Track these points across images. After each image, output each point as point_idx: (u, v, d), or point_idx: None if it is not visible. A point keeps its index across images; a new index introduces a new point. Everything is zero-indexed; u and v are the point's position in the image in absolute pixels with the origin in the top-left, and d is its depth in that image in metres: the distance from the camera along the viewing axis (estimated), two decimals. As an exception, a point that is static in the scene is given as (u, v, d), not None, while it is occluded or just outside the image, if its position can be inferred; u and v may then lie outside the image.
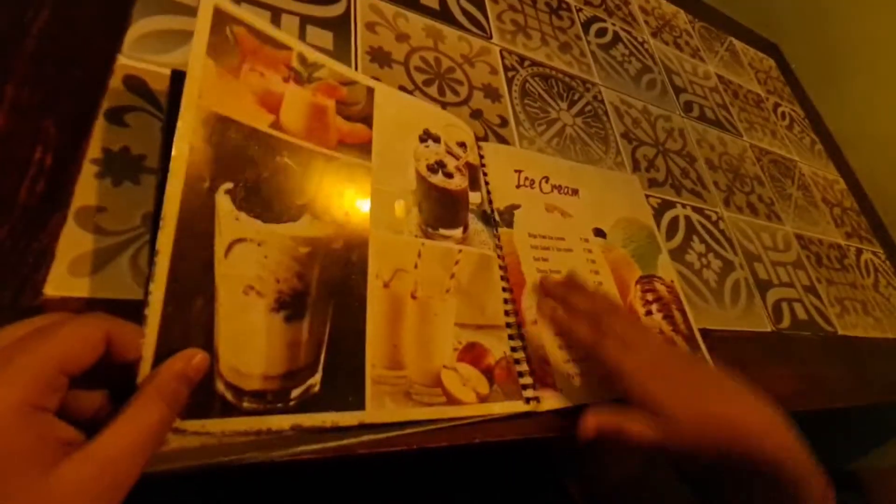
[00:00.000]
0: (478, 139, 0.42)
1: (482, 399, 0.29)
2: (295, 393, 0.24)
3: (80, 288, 0.23)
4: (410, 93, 0.42)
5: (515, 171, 0.41)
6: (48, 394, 0.16)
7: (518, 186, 0.40)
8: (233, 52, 0.27)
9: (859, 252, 0.74)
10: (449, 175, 0.35)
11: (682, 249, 0.51)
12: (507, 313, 0.33)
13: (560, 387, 0.32)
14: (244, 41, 0.28)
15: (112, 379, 0.19)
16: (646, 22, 0.77)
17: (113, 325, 0.18)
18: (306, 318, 0.25)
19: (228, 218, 0.24)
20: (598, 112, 0.56)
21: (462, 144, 0.38)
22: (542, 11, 0.61)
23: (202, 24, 0.26)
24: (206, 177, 0.24)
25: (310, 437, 0.23)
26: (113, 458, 0.16)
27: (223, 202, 0.24)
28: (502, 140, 0.45)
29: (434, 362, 0.29)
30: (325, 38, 0.40)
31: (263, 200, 0.26)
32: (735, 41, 0.93)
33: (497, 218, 0.37)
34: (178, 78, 0.29)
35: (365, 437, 0.25)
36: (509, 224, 0.37)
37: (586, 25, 0.65)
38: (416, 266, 0.31)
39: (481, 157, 0.39)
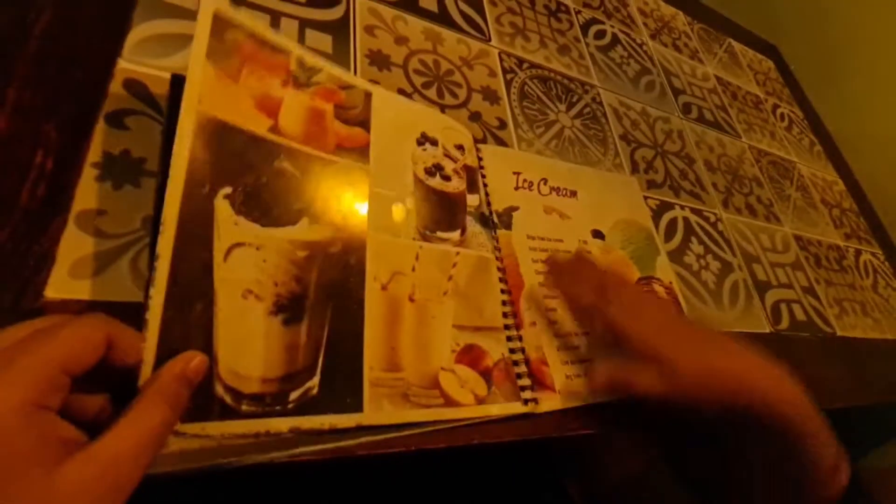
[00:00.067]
0: (476, 141, 0.42)
1: (480, 401, 0.29)
2: (293, 395, 0.24)
3: (81, 290, 0.24)
4: (409, 95, 0.42)
5: (514, 173, 0.41)
6: (50, 393, 0.16)
7: (516, 188, 0.40)
8: (232, 56, 0.27)
9: (858, 253, 0.74)
10: (446, 178, 0.36)
11: (680, 251, 0.51)
12: (505, 315, 0.33)
13: (558, 388, 0.32)
14: (243, 46, 0.28)
15: (111, 382, 0.19)
16: (644, 24, 0.77)
17: (113, 326, 0.19)
18: (304, 321, 0.25)
19: (227, 222, 0.24)
20: (596, 114, 0.57)
21: (460, 147, 0.38)
22: (540, 14, 0.61)
23: (202, 29, 0.26)
24: (205, 181, 0.24)
25: (308, 439, 0.24)
26: (116, 458, 0.16)
27: (222, 207, 0.24)
28: (501, 142, 0.45)
29: (432, 364, 0.29)
30: (325, 41, 0.40)
31: (262, 205, 0.26)
32: (734, 42, 0.93)
33: (495, 220, 0.37)
34: (177, 82, 0.29)
35: (363, 439, 0.25)
36: (508, 226, 0.38)
37: (585, 27, 0.66)
38: (413, 269, 0.31)
39: (480, 159, 0.40)
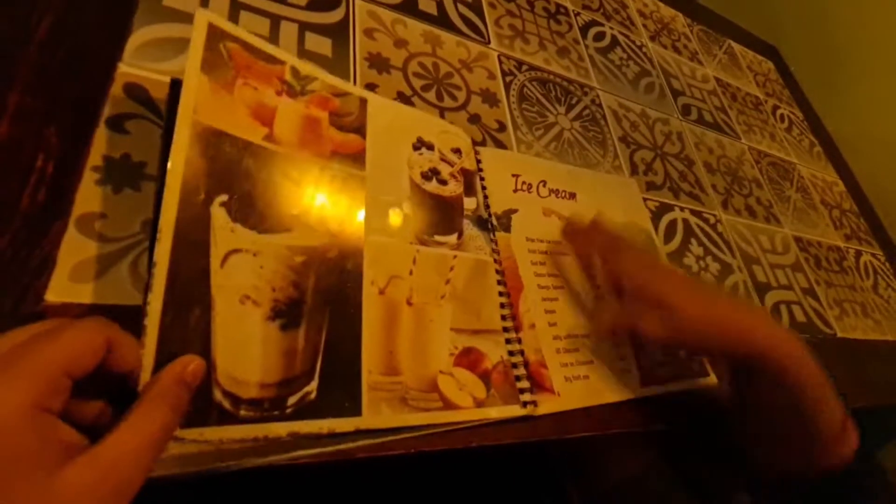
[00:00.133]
0: (476, 144, 0.42)
1: (479, 404, 0.29)
2: (291, 400, 0.24)
3: (81, 294, 0.24)
4: (409, 98, 0.42)
5: (513, 175, 0.41)
6: (52, 395, 0.16)
7: (515, 191, 0.40)
8: (226, 67, 0.28)
9: (858, 254, 0.74)
10: (443, 182, 0.36)
11: (680, 252, 0.51)
12: (504, 318, 0.34)
13: (558, 391, 0.32)
14: (238, 56, 0.29)
15: (109, 387, 0.19)
16: (644, 25, 0.77)
17: (113, 331, 0.19)
18: (302, 326, 0.25)
19: (224, 229, 0.25)
20: (595, 116, 0.57)
21: (457, 151, 0.38)
22: (539, 16, 0.61)
23: (196, 41, 0.26)
24: (201, 189, 0.24)
25: (307, 443, 0.24)
26: (117, 461, 0.16)
27: (218, 214, 0.25)
28: (500, 145, 0.45)
29: (430, 368, 0.29)
30: (324, 44, 0.41)
31: (258, 211, 0.26)
32: (734, 44, 0.93)
33: (494, 222, 0.37)
34: (176, 87, 0.29)
35: (361, 443, 0.25)
36: (507, 228, 0.38)
37: (584, 29, 0.66)
38: (411, 273, 0.31)
39: (478, 162, 0.40)
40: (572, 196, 0.44)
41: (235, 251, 0.25)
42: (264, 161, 0.28)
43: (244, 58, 0.29)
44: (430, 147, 0.37)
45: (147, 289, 0.21)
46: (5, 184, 0.25)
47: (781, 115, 0.88)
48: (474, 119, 0.45)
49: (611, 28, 0.70)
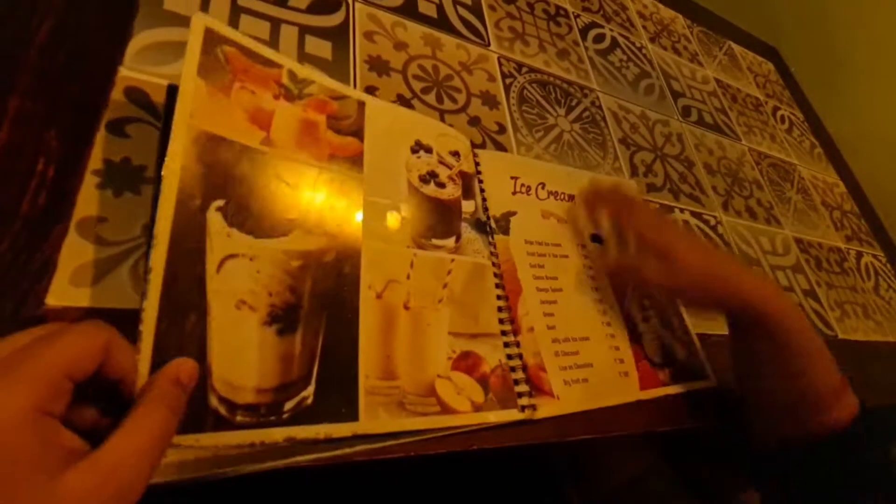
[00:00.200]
0: (476, 146, 0.42)
1: (477, 408, 0.29)
2: (288, 405, 0.24)
3: (82, 298, 0.24)
4: (409, 101, 0.42)
5: (511, 177, 0.41)
6: (54, 399, 0.16)
7: (514, 193, 0.40)
8: (223, 71, 0.28)
9: (859, 255, 0.74)
10: (441, 185, 0.36)
11: (680, 254, 0.51)
12: (502, 321, 0.33)
13: (557, 394, 0.32)
14: (235, 61, 0.29)
15: (105, 392, 0.19)
16: (644, 27, 0.77)
17: (112, 334, 0.19)
18: (299, 331, 0.25)
19: (220, 234, 0.25)
20: (595, 118, 0.57)
21: (455, 153, 0.38)
22: (539, 18, 0.62)
23: (193, 45, 0.27)
24: (197, 194, 0.24)
25: (304, 448, 0.24)
26: (118, 465, 0.16)
27: (214, 219, 0.25)
28: (500, 147, 0.45)
29: (428, 372, 0.29)
30: (324, 47, 0.41)
31: (255, 216, 0.26)
32: (734, 45, 0.93)
33: (493, 225, 0.37)
34: (174, 92, 0.30)
35: (359, 448, 0.25)
36: (505, 231, 0.38)
37: (584, 31, 0.66)
38: (408, 276, 0.31)
39: (477, 164, 0.40)
40: (571, 198, 0.44)
41: (231, 256, 0.25)
42: (261, 165, 0.28)
43: (241, 62, 0.29)
44: (429, 150, 0.37)
45: (143, 294, 0.21)
46: (6, 188, 0.25)
47: (782, 117, 0.88)
48: (474, 121, 0.45)
49: (611, 30, 0.70)
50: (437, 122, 0.40)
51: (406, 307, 0.30)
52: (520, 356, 0.33)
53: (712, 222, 0.58)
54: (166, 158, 0.24)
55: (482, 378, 0.30)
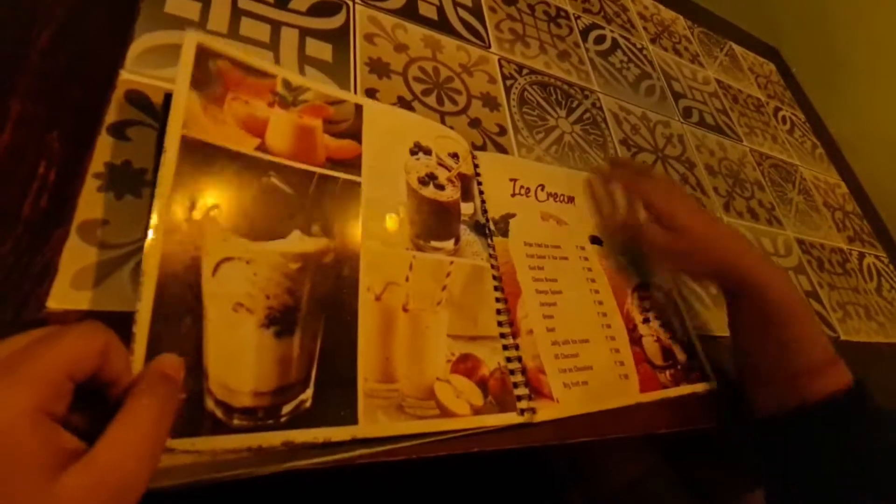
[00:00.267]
0: (476, 148, 0.42)
1: (476, 411, 0.29)
2: (286, 409, 0.24)
3: (83, 301, 0.24)
4: (409, 103, 0.42)
5: (510, 179, 0.41)
6: (55, 400, 0.16)
7: (513, 195, 0.40)
8: (216, 83, 0.29)
9: (862, 256, 0.74)
10: (440, 187, 0.36)
11: (680, 256, 0.51)
12: (501, 324, 0.33)
13: (556, 397, 0.32)
14: (227, 73, 0.29)
15: (98, 395, 0.19)
16: (644, 28, 0.77)
17: (110, 335, 0.19)
18: (297, 334, 0.25)
19: (216, 238, 0.25)
20: (596, 119, 0.57)
21: (454, 155, 0.38)
22: (540, 20, 0.62)
23: (185, 61, 0.27)
24: (191, 200, 0.25)
25: (302, 452, 0.23)
26: (115, 463, 0.16)
27: (210, 223, 0.25)
28: (501, 148, 0.45)
29: (427, 375, 0.29)
30: (325, 50, 0.41)
31: (251, 220, 0.26)
32: (735, 46, 0.93)
33: (492, 227, 0.37)
34: (170, 100, 0.30)
35: (358, 452, 0.25)
36: (504, 233, 0.38)
37: (585, 33, 0.66)
38: (407, 279, 0.31)
39: (476, 166, 0.40)
40: (571, 200, 0.44)
41: (228, 259, 0.25)
42: (257, 170, 0.28)
43: (234, 74, 0.30)
44: (428, 152, 0.37)
45: (137, 297, 0.21)
46: (7, 190, 0.25)
47: (783, 117, 0.87)
48: (475, 123, 0.45)
49: (611, 31, 0.70)
50: (436, 124, 0.40)
51: (405, 309, 0.30)
52: (519, 359, 0.33)
53: (713, 223, 0.58)
54: (160, 166, 0.24)
55: (481, 381, 0.30)
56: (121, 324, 0.20)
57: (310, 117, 0.32)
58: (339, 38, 0.42)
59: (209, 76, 0.28)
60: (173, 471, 0.20)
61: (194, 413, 0.21)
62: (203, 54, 0.28)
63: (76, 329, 0.18)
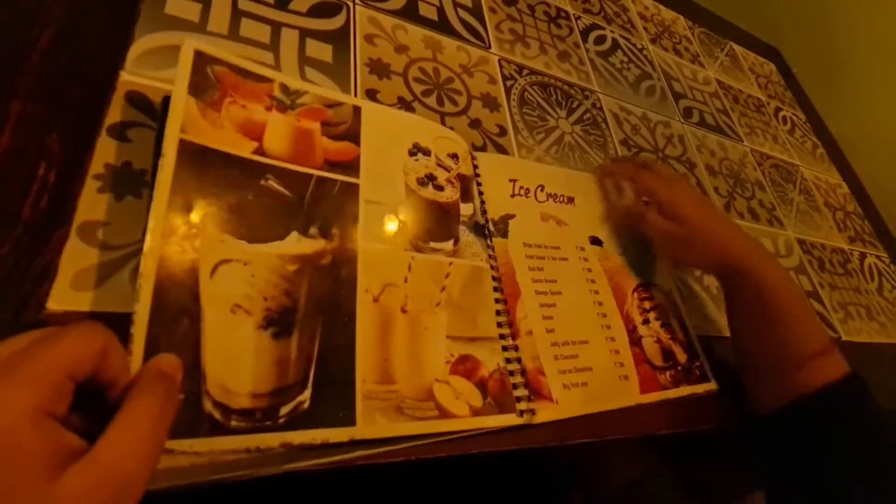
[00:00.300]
0: (476, 149, 0.42)
1: (475, 412, 0.29)
2: (284, 410, 0.24)
3: (83, 302, 0.24)
4: (409, 104, 0.42)
5: (510, 180, 0.41)
6: (56, 400, 0.16)
7: (513, 196, 0.40)
8: (214, 89, 0.29)
9: (863, 256, 0.74)
10: (439, 188, 0.36)
11: (681, 256, 0.51)
12: (500, 325, 0.33)
13: (556, 398, 0.32)
14: (225, 78, 0.30)
15: (96, 395, 0.19)
16: (645, 28, 0.77)
17: (109, 336, 0.19)
18: (295, 335, 0.25)
19: (213, 240, 0.25)
20: (596, 119, 0.57)
21: (453, 156, 0.38)
22: (540, 20, 0.62)
23: (183, 67, 0.28)
24: (188, 203, 0.25)
25: (300, 453, 0.23)
26: (115, 459, 0.16)
27: (207, 226, 0.25)
28: (501, 149, 0.45)
29: (425, 376, 0.29)
30: (325, 51, 0.41)
31: (249, 222, 0.26)
32: (735, 46, 0.93)
33: (491, 228, 0.37)
34: (168, 103, 0.30)
35: (357, 454, 0.25)
36: (504, 234, 0.38)
37: (585, 33, 0.66)
38: (406, 280, 0.31)
39: (475, 167, 0.40)
40: (570, 200, 0.44)
41: (225, 261, 0.25)
42: (254, 173, 0.28)
43: (231, 79, 0.30)
44: (427, 153, 0.37)
45: (136, 298, 0.21)
46: (7, 191, 0.25)
47: (784, 117, 0.87)
48: (475, 124, 0.45)
49: (611, 31, 0.70)
50: (435, 125, 0.40)
51: (404, 311, 0.30)
52: (518, 360, 0.33)
53: (714, 224, 0.58)
54: (158, 169, 0.24)
55: (480, 382, 0.30)
56: (121, 325, 0.21)
57: (307, 120, 0.32)
58: (340, 39, 0.42)
59: (207, 82, 0.29)
60: (171, 472, 0.20)
61: (192, 414, 0.21)
62: (201, 60, 0.29)
63: (76, 329, 0.18)
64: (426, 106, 0.43)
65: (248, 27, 0.38)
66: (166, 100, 0.28)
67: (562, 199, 0.43)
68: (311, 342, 0.26)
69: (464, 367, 0.30)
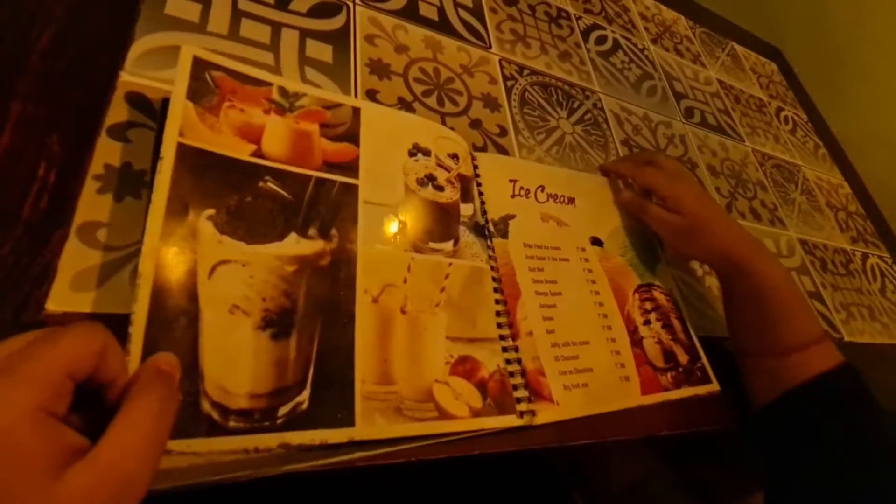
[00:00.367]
0: (477, 149, 0.42)
1: (475, 413, 0.29)
2: (282, 411, 0.24)
3: (82, 303, 0.24)
4: (410, 104, 0.42)
5: (510, 180, 0.41)
6: (57, 399, 0.16)
7: (513, 196, 0.40)
8: (213, 94, 0.29)
9: (865, 256, 0.73)
10: (439, 188, 0.36)
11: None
12: (500, 325, 0.33)
13: (556, 399, 0.32)
14: (223, 83, 0.30)
15: (94, 395, 0.19)
16: (646, 28, 0.77)
17: (108, 336, 0.19)
18: (293, 336, 0.25)
19: (211, 241, 0.25)
20: (597, 119, 0.56)
21: (454, 156, 0.38)
22: (541, 20, 0.61)
23: (182, 73, 0.28)
24: (187, 205, 0.25)
25: (300, 454, 0.23)
26: (117, 460, 0.16)
27: (205, 227, 0.25)
28: (502, 149, 0.45)
29: (425, 377, 0.29)
30: (325, 51, 0.41)
31: (247, 223, 0.27)
32: (737, 46, 0.93)
33: (491, 228, 0.37)
34: (168, 106, 0.30)
35: (356, 455, 0.25)
36: (504, 234, 0.38)
37: (586, 33, 0.66)
38: (405, 280, 0.31)
39: (475, 167, 0.39)
40: (571, 201, 0.44)
41: (223, 262, 0.25)
42: (252, 175, 0.28)
43: (230, 83, 0.30)
44: (427, 153, 0.37)
45: (134, 298, 0.21)
46: (7, 192, 0.25)
47: (785, 117, 0.87)
48: (475, 124, 0.45)
49: (612, 32, 0.70)
50: (435, 125, 0.40)
51: (403, 311, 0.30)
52: (518, 361, 0.33)
53: (715, 224, 0.58)
54: (156, 172, 0.24)
55: (480, 383, 0.30)
56: (120, 326, 0.21)
57: (306, 122, 0.32)
58: (340, 40, 0.42)
59: (206, 87, 0.29)
60: (169, 473, 0.20)
61: (190, 415, 0.21)
62: (199, 66, 0.29)
63: (74, 329, 0.18)
64: (426, 106, 0.43)
65: (248, 27, 0.38)
66: (166, 101, 0.28)
67: (562, 199, 0.43)
68: (310, 343, 0.26)
69: (463, 367, 0.30)
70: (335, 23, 0.43)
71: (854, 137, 0.92)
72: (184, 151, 0.26)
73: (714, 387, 0.41)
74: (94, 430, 0.17)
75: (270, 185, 0.28)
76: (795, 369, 0.35)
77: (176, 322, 0.22)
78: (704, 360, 0.42)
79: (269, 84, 0.32)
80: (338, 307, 0.27)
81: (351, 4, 0.45)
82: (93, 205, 0.26)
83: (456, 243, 0.34)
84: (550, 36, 0.60)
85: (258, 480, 0.22)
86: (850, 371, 0.36)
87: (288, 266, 0.27)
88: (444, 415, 0.28)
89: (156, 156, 0.26)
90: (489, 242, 0.36)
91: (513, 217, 0.39)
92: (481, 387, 0.30)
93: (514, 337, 0.33)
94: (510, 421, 0.30)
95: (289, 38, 0.40)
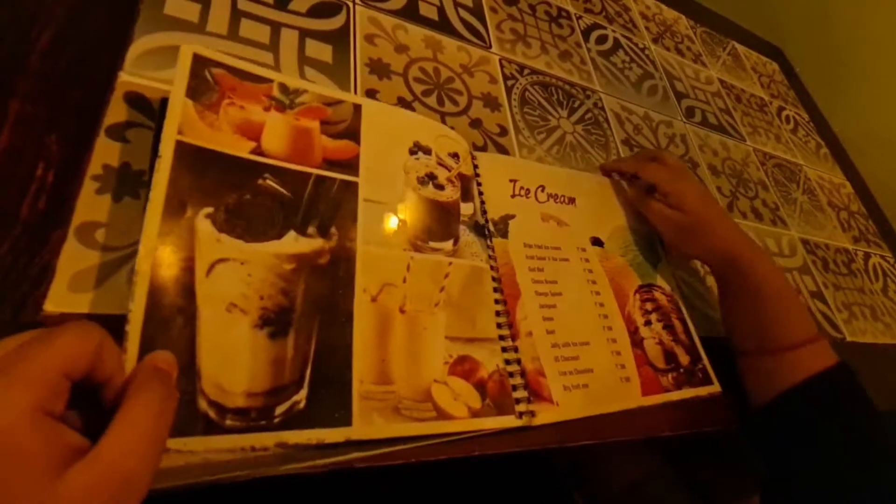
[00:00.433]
0: (477, 149, 0.42)
1: (474, 414, 0.29)
2: (279, 410, 0.24)
3: (80, 304, 0.24)
4: (410, 103, 0.42)
5: (510, 180, 0.41)
6: (54, 398, 0.16)
7: (513, 196, 0.40)
8: (212, 91, 0.29)
9: (867, 256, 0.73)
10: (440, 187, 0.35)
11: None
12: (500, 325, 0.33)
13: (556, 400, 0.32)
14: (223, 80, 0.30)
15: (92, 394, 0.19)
16: (647, 28, 0.76)
17: (104, 335, 0.19)
18: (291, 335, 0.25)
19: (209, 240, 0.25)
20: (598, 119, 0.56)
21: (454, 155, 0.38)
22: (541, 20, 0.61)
23: (181, 70, 0.28)
24: (185, 203, 0.25)
25: (298, 454, 0.23)
26: (118, 459, 0.16)
27: (203, 225, 0.25)
28: (502, 149, 0.45)
29: (424, 377, 0.29)
30: (325, 51, 0.41)
31: (246, 221, 0.26)
32: (738, 45, 0.93)
33: (491, 228, 0.37)
34: (167, 105, 0.30)
35: (353, 455, 0.25)
36: (504, 234, 0.37)
37: (586, 33, 0.65)
38: (404, 280, 0.31)
39: (476, 167, 0.39)
40: (571, 201, 0.44)
41: (222, 260, 0.25)
42: (251, 173, 0.28)
43: (229, 80, 0.30)
44: (428, 152, 0.37)
45: (130, 297, 0.21)
46: (5, 192, 0.25)
47: (787, 117, 0.87)
48: (475, 124, 0.45)
49: (613, 31, 0.70)
50: (436, 124, 0.40)
51: (402, 311, 0.30)
52: (518, 361, 0.32)
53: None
54: (155, 170, 0.24)
55: (479, 383, 0.30)
56: (118, 326, 0.20)
57: (306, 119, 0.32)
58: (340, 39, 0.42)
59: (205, 84, 0.29)
60: (166, 472, 0.20)
61: (187, 413, 0.21)
62: (199, 63, 0.29)
63: (70, 328, 0.18)
64: (426, 106, 0.43)
65: (247, 27, 0.38)
66: (165, 101, 0.28)
67: (563, 199, 0.43)
68: (308, 342, 0.26)
69: (462, 367, 0.30)
70: (335, 22, 0.43)
71: (856, 137, 0.92)
72: (182, 149, 0.26)
73: (715, 388, 0.40)
74: (92, 429, 0.17)
75: (270, 182, 0.28)
76: (791, 369, 0.36)
77: (173, 320, 0.22)
78: (706, 360, 0.42)
79: (270, 81, 0.32)
80: (336, 306, 0.27)
81: (351, 4, 0.45)
82: (91, 205, 0.26)
83: (456, 243, 0.34)
84: (551, 35, 0.60)
85: (256, 481, 0.22)
86: (845, 371, 0.36)
87: (286, 264, 0.26)
88: (442, 415, 0.28)
89: (154, 155, 0.26)
90: (489, 242, 0.36)
91: (513, 217, 0.39)
92: (480, 387, 0.30)
93: (514, 337, 0.33)
94: (509, 421, 0.30)
95: (288, 38, 0.39)
